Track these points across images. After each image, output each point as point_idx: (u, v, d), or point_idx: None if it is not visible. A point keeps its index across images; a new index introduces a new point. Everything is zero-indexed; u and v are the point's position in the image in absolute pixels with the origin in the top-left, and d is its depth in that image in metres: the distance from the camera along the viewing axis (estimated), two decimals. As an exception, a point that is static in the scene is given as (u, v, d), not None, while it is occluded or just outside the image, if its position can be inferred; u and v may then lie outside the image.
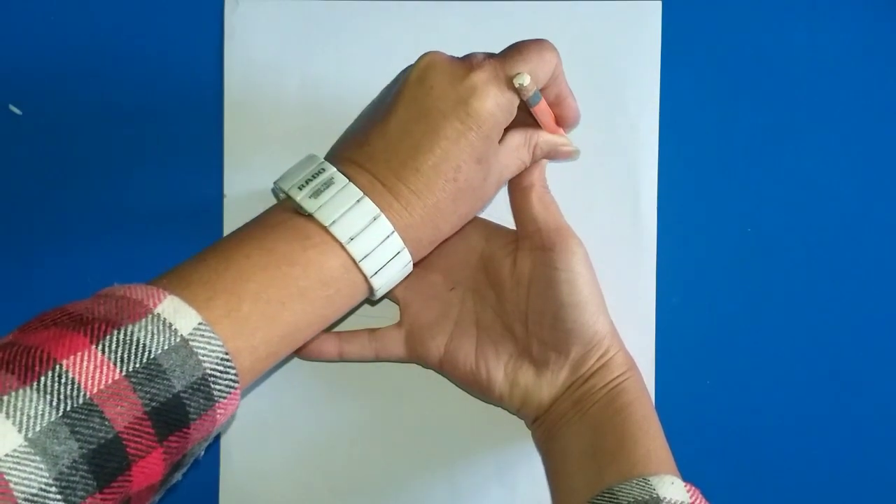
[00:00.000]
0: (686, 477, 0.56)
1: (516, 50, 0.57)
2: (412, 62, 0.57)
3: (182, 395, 0.45)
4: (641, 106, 0.68)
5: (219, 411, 0.47)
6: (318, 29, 0.68)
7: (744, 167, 0.68)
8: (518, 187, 0.62)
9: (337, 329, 0.66)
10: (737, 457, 0.68)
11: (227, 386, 0.47)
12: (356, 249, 0.52)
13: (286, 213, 0.53)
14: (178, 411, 0.45)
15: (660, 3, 0.67)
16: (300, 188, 0.53)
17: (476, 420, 0.67)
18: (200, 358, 0.46)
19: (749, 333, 0.68)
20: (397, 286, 0.65)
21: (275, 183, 0.55)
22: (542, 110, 0.59)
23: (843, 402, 0.68)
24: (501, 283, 0.63)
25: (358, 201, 0.52)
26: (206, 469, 0.66)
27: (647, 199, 0.67)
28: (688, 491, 0.54)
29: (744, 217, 0.68)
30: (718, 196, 0.68)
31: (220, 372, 0.47)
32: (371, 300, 0.57)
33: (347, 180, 0.53)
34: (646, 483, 0.53)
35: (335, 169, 0.53)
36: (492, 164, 0.56)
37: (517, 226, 0.63)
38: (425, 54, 0.56)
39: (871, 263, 0.68)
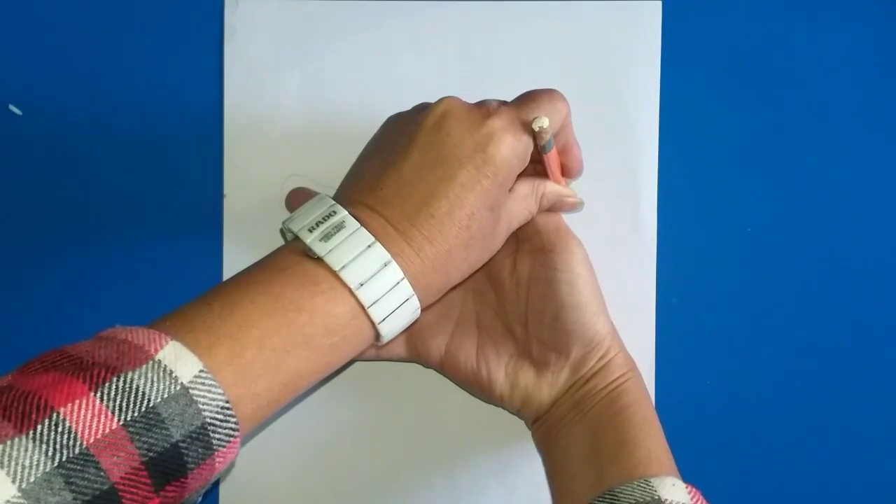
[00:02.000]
0: (686, 477, 0.56)
1: (529, 98, 0.57)
2: (429, 103, 0.56)
3: (180, 444, 0.44)
4: (641, 106, 0.68)
5: (218, 460, 0.46)
6: (318, 29, 0.68)
7: (744, 167, 0.68)
8: None
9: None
10: (737, 457, 0.68)
11: (226, 434, 0.46)
12: (365, 296, 0.51)
13: (295, 255, 0.52)
14: (175, 461, 0.44)
15: (660, 3, 0.67)
16: (310, 230, 0.52)
17: (476, 420, 0.67)
18: (200, 406, 0.45)
19: (749, 334, 0.68)
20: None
21: (283, 223, 0.54)
22: (552, 158, 0.59)
23: (843, 403, 0.68)
24: (502, 283, 0.63)
25: (369, 246, 0.51)
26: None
27: (646, 199, 0.67)
28: (689, 492, 0.54)
29: (744, 217, 0.68)
30: (718, 196, 0.68)
31: (220, 420, 0.46)
32: (376, 346, 0.57)
33: (359, 224, 0.52)
34: (647, 484, 0.53)
35: (346, 212, 0.53)
36: (503, 212, 0.56)
37: (518, 228, 0.63)
38: (441, 100, 0.55)
39: (871, 263, 0.68)
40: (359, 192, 0.55)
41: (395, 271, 0.52)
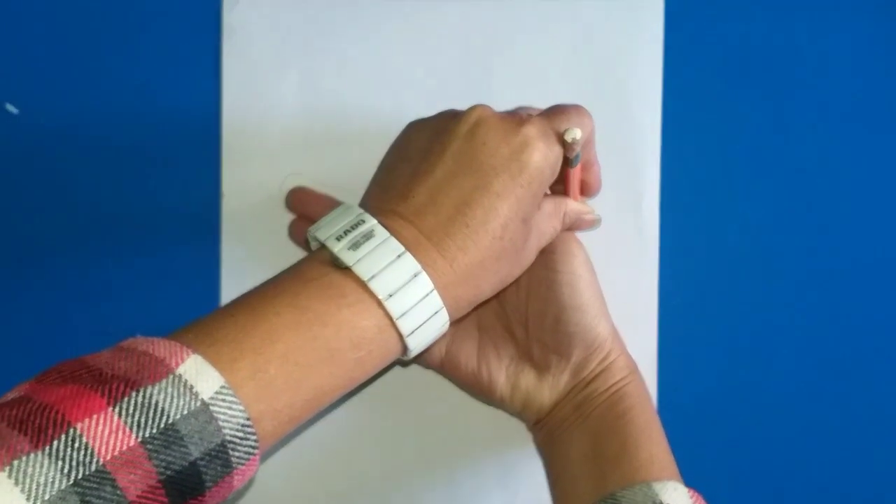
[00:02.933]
0: (688, 480, 0.56)
1: (559, 110, 0.56)
2: (462, 111, 0.55)
3: (199, 462, 0.43)
4: (643, 105, 0.67)
5: (236, 478, 0.45)
6: (317, 29, 0.67)
7: (746, 167, 0.68)
8: None
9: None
10: (739, 460, 0.68)
11: (245, 452, 0.45)
12: (394, 307, 0.50)
13: (322, 265, 0.51)
14: (193, 479, 0.43)
15: (662, 3, 0.67)
16: (338, 239, 0.51)
17: (477, 422, 0.67)
18: (220, 423, 0.44)
19: (752, 335, 0.68)
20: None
21: (309, 231, 0.53)
22: (575, 173, 0.59)
23: (845, 404, 0.68)
24: (503, 285, 0.63)
25: (399, 256, 0.50)
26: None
27: (649, 199, 0.67)
28: (691, 497, 0.54)
29: (746, 217, 0.68)
30: (721, 196, 0.68)
31: (240, 438, 0.45)
32: (402, 361, 0.55)
33: (388, 233, 0.51)
34: (649, 489, 0.53)
35: (375, 221, 0.51)
36: (533, 226, 0.55)
37: None
38: (474, 108, 0.55)
39: (873, 264, 0.68)
40: (388, 201, 0.53)
41: (424, 282, 0.50)
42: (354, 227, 0.51)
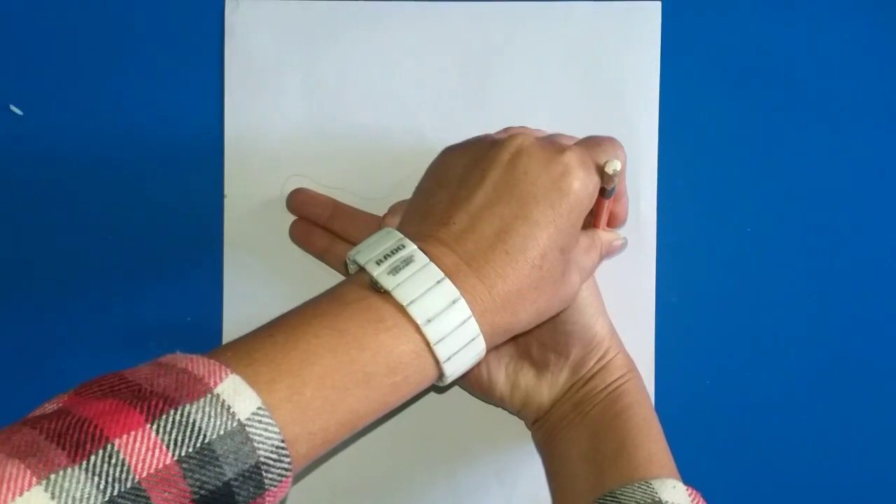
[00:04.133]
0: (686, 478, 0.56)
1: (595, 142, 0.57)
2: (500, 141, 0.55)
3: (232, 482, 0.43)
4: (641, 106, 0.68)
5: (268, 499, 0.45)
6: (318, 29, 0.68)
7: (743, 167, 0.68)
8: None
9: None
10: (737, 458, 0.68)
11: (279, 474, 0.45)
12: (433, 332, 0.50)
13: (361, 289, 0.51)
14: (226, 499, 0.43)
15: (659, 4, 0.67)
16: (377, 263, 0.51)
17: (476, 420, 0.67)
18: (256, 445, 0.44)
19: (749, 333, 0.68)
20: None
21: (348, 255, 0.53)
22: (608, 204, 0.59)
23: (843, 402, 0.68)
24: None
25: (438, 282, 0.50)
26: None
27: (646, 198, 0.68)
28: (689, 494, 0.54)
29: (743, 217, 0.68)
30: (718, 196, 0.68)
31: (274, 460, 0.45)
32: (437, 386, 0.55)
33: (428, 259, 0.51)
34: (648, 486, 0.54)
35: (415, 246, 0.51)
36: (571, 257, 0.55)
37: None
38: (514, 137, 0.55)
39: (871, 263, 0.68)
40: (428, 226, 0.53)
41: (463, 308, 0.50)
42: (394, 251, 0.51)
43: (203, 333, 0.67)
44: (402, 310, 0.50)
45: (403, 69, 0.68)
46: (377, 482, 0.67)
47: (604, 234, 0.60)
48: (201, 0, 0.67)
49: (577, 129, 0.65)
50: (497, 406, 0.65)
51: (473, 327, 0.51)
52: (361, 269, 0.52)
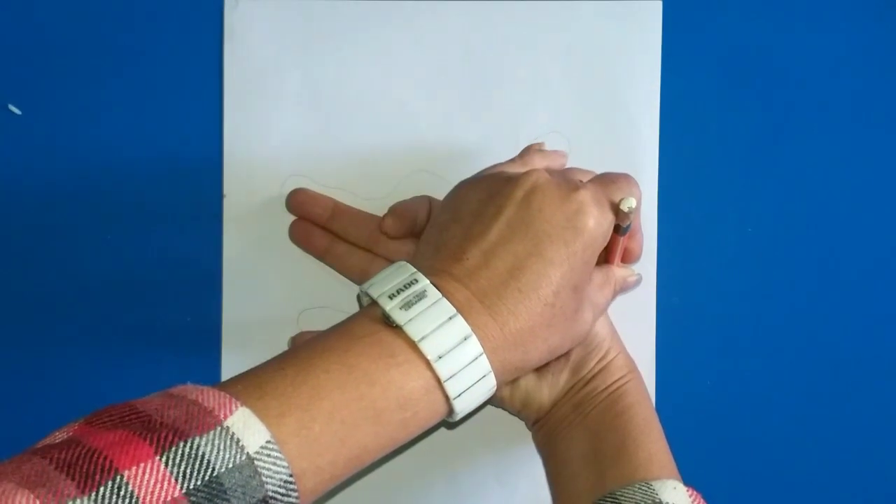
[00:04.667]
0: (687, 478, 0.56)
1: (610, 179, 0.57)
2: (516, 179, 0.55)
3: None
4: (642, 106, 0.68)
5: None
6: (318, 29, 0.67)
7: (744, 167, 0.68)
8: None
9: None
10: (738, 458, 0.68)
11: None
12: (443, 369, 0.49)
13: (373, 323, 0.51)
14: None
15: (660, 3, 0.67)
16: (390, 297, 0.51)
17: (476, 421, 0.67)
18: (264, 479, 0.44)
19: (749, 334, 0.68)
20: None
21: (361, 288, 0.53)
22: (623, 240, 0.59)
23: (844, 403, 0.68)
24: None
25: (450, 318, 0.50)
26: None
27: (647, 198, 0.67)
28: (689, 495, 0.54)
29: (744, 217, 0.68)
30: (719, 196, 0.68)
31: (282, 494, 0.45)
32: (447, 422, 0.55)
33: (440, 295, 0.51)
34: (648, 487, 0.54)
35: (428, 281, 0.51)
36: (584, 295, 0.55)
37: None
38: (529, 174, 0.55)
39: (871, 263, 0.68)
40: (441, 261, 0.53)
41: (474, 345, 0.50)
42: (407, 286, 0.51)
43: (203, 333, 0.67)
44: (413, 345, 0.49)
45: (403, 69, 0.68)
46: (377, 482, 0.67)
47: (618, 271, 0.61)
48: (201, 0, 0.67)
49: (577, 129, 0.65)
50: (497, 406, 0.65)
51: (484, 364, 0.51)
52: (373, 303, 0.51)
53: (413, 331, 0.49)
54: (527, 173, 0.55)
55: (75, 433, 0.43)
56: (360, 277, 0.66)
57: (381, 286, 0.52)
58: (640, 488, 0.54)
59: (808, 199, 0.68)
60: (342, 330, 0.51)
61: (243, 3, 0.67)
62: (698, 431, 0.68)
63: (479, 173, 0.59)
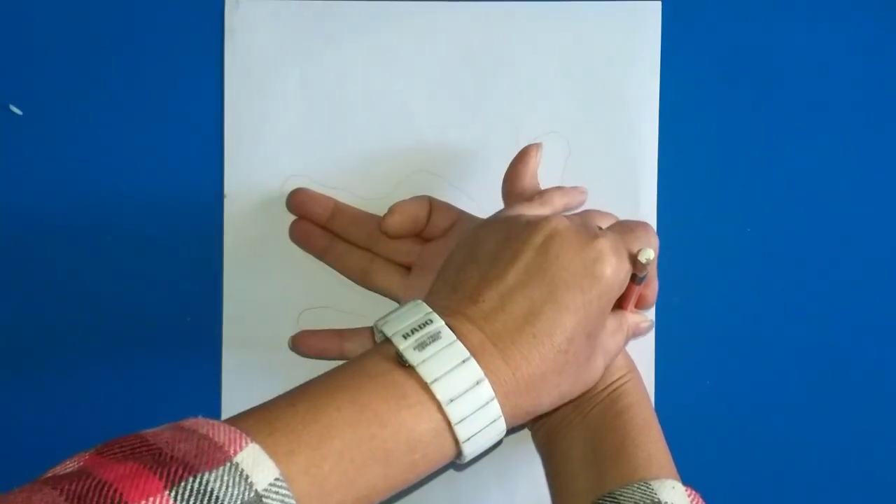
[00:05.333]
0: (686, 478, 0.56)
1: (629, 228, 0.57)
2: (535, 227, 0.54)
3: None
4: (641, 106, 0.68)
5: None
6: (318, 29, 0.68)
7: (744, 167, 0.68)
8: (511, 194, 0.62)
9: (339, 328, 0.66)
10: (737, 458, 0.68)
11: None
12: (454, 412, 0.49)
13: (386, 362, 0.50)
14: None
15: (660, 4, 0.67)
16: (405, 336, 0.50)
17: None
18: None
19: (749, 334, 0.68)
20: (398, 288, 0.65)
21: (376, 323, 0.53)
22: (638, 289, 0.59)
23: (844, 403, 0.68)
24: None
25: (463, 361, 0.50)
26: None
27: (646, 199, 0.68)
28: (688, 495, 0.54)
29: (744, 217, 0.68)
30: (718, 196, 0.68)
31: None
32: (454, 464, 0.54)
33: (455, 337, 0.50)
34: (647, 487, 0.54)
35: (443, 322, 0.51)
36: (598, 342, 0.55)
37: None
38: (548, 220, 0.54)
39: (871, 263, 0.68)
40: (457, 302, 0.53)
41: (486, 389, 0.50)
42: (422, 326, 0.51)
43: (203, 333, 0.67)
44: (425, 387, 0.49)
45: (403, 69, 0.68)
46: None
47: (631, 317, 0.60)
48: (201, 0, 0.67)
49: (577, 129, 0.65)
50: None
51: (495, 409, 0.50)
52: (387, 340, 0.51)
53: (426, 372, 0.49)
54: (546, 218, 0.55)
55: (86, 464, 0.43)
56: (359, 277, 0.66)
57: (396, 324, 0.51)
58: (638, 488, 0.54)
59: (807, 198, 0.68)
60: (355, 367, 0.51)
61: (244, 3, 0.67)
62: (697, 431, 0.68)
63: (497, 213, 0.59)
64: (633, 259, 0.55)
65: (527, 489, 0.67)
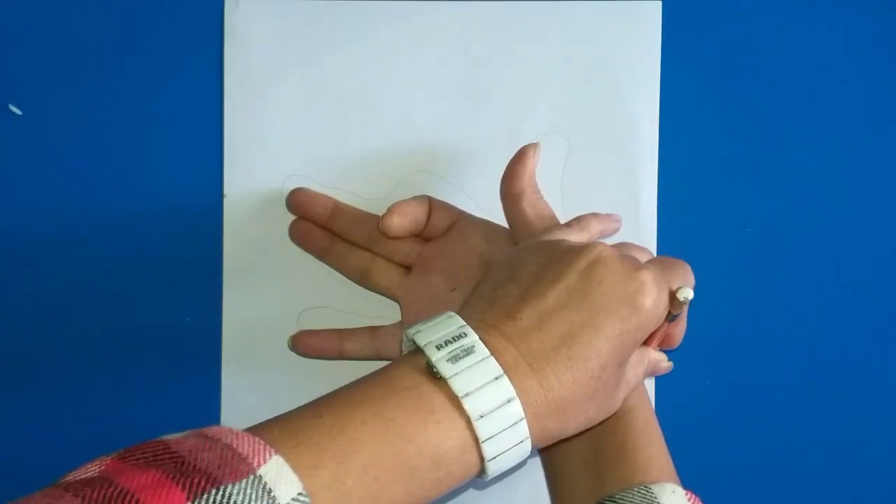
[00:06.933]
0: (685, 481, 0.56)
1: (669, 265, 0.57)
2: (576, 250, 0.54)
3: None
4: (641, 106, 0.68)
5: None
6: (318, 29, 0.67)
7: (744, 167, 0.68)
8: (509, 195, 0.62)
9: (338, 328, 0.66)
10: (737, 460, 0.68)
11: None
12: (483, 429, 0.48)
13: (415, 373, 0.49)
14: None
15: (660, 3, 0.67)
16: (438, 348, 0.49)
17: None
18: None
19: (749, 334, 0.68)
20: (398, 288, 0.65)
21: (407, 332, 0.52)
22: (667, 326, 0.58)
23: (844, 404, 0.68)
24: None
25: (496, 378, 0.48)
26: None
27: (646, 199, 0.68)
28: (688, 499, 0.54)
29: (744, 217, 0.68)
30: (718, 196, 0.68)
31: None
32: (476, 483, 0.53)
33: (489, 353, 0.49)
34: (647, 491, 0.54)
35: (477, 337, 0.50)
36: (624, 373, 0.55)
37: (512, 233, 0.63)
38: (594, 245, 0.54)
39: (871, 263, 0.69)
40: (493, 317, 0.52)
41: (516, 408, 0.49)
42: (456, 338, 0.50)
43: (203, 333, 0.68)
44: (454, 401, 0.48)
45: (403, 69, 0.68)
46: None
47: (654, 354, 0.60)
48: (201, 0, 0.67)
49: (577, 129, 0.65)
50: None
51: (523, 429, 0.49)
52: (417, 350, 0.50)
53: (458, 386, 0.48)
54: (592, 245, 0.54)
55: (107, 469, 0.43)
56: (359, 277, 0.66)
57: (429, 335, 0.50)
58: (638, 492, 0.54)
59: (808, 199, 0.68)
60: (382, 378, 0.50)
61: (243, 3, 0.67)
62: (697, 434, 0.68)
63: (534, 238, 0.58)
64: (672, 296, 0.55)
65: (527, 490, 0.67)
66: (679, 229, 0.68)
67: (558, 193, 0.67)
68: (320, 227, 0.66)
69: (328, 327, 0.67)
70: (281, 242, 0.67)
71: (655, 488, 0.54)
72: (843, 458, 0.69)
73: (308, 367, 0.67)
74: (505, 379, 0.49)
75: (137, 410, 0.68)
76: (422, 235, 0.65)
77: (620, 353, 0.52)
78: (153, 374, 0.68)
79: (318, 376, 0.67)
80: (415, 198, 0.64)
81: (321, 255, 0.67)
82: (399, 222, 0.63)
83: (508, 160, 0.63)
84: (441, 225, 0.64)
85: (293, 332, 0.66)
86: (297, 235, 0.67)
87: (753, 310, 0.68)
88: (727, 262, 0.68)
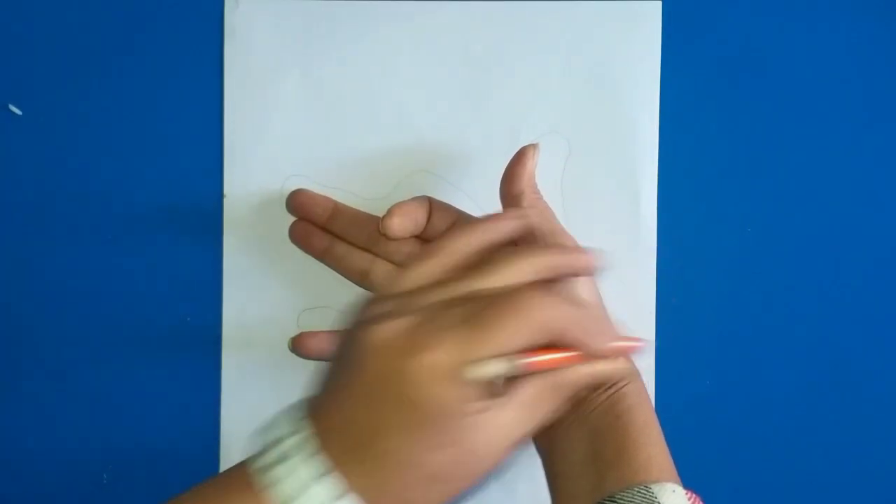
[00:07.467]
0: (686, 480, 0.56)
1: (485, 321, 0.47)
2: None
3: None
4: (641, 106, 0.68)
5: None
6: (318, 29, 0.67)
7: (744, 167, 0.68)
8: (508, 196, 0.62)
9: (338, 329, 0.66)
10: (737, 460, 0.68)
11: None
12: None
13: (244, 477, 0.48)
14: None
15: (660, 3, 0.67)
16: (258, 455, 0.48)
17: (476, 421, 0.67)
18: None
19: (750, 334, 0.68)
20: None
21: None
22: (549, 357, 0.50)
23: (845, 404, 0.68)
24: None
25: (322, 475, 0.46)
26: (205, 470, 0.66)
27: (646, 199, 0.68)
28: (689, 499, 0.54)
29: (744, 217, 0.68)
30: (719, 196, 0.68)
31: None
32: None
33: (313, 451, 0.47)
34: (647, 491, 0.54)
35: (300, 437, 0.48)
36: (467, 443, 0.48)
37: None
38: (367, 330, 0.48)
39: (871, 264, 0.68)
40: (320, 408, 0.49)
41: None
42: (280, 440, 0.48)
43: (203, 334, 0.68)
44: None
45: (403, 69, 0.68)
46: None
47: (582, 369, 0.52)
48: (201, 0, 0.67)
49: (577, 129, 0.65)
50: (497, 407, 0.65)
51: None
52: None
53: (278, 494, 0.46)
54: (368, 328, 0.49)
55: None
56: (359, 278, 0.66)
57: (263, 436, 0.49)
58: (639, 491, 0.54)
59: (808, 199, 0.68)
60: (219, 480, 0.50)
61: (243, 3, 0.67)
62: (698, 433, 0.68)
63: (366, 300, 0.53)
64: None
65: (527, 489, 0.67)
66: (679, 229, 0.68)
67: (558, 194, 0.67)
68: (320, 228, 0.66)
69: (328, 328, 0.67)
70: (281, 242, 0.67)
71: (656, 488, 0.54)
72: (843, 458, 0.69)
73: (308, 368, 0.67)
74: (329, 478, 0.46)
75: (137, 410, 0.68)
76: (422, 236, 0.65)
77: (427, 442, 0.47)
78: (153, 373, 0.68)
79: (318, 376, 0.67)
80: (415, 198, 0.64)
81: (321, 256, 0.67)
82: (399, 223, 0.63)
83: (508, 160, 0.63)
84: (441, 226, 0.64)
85: (293, 332, 0.66)
86: (297, 237, 0.67)
87: (753, 310, 0.68)
88: (727, 262, 0.68)
